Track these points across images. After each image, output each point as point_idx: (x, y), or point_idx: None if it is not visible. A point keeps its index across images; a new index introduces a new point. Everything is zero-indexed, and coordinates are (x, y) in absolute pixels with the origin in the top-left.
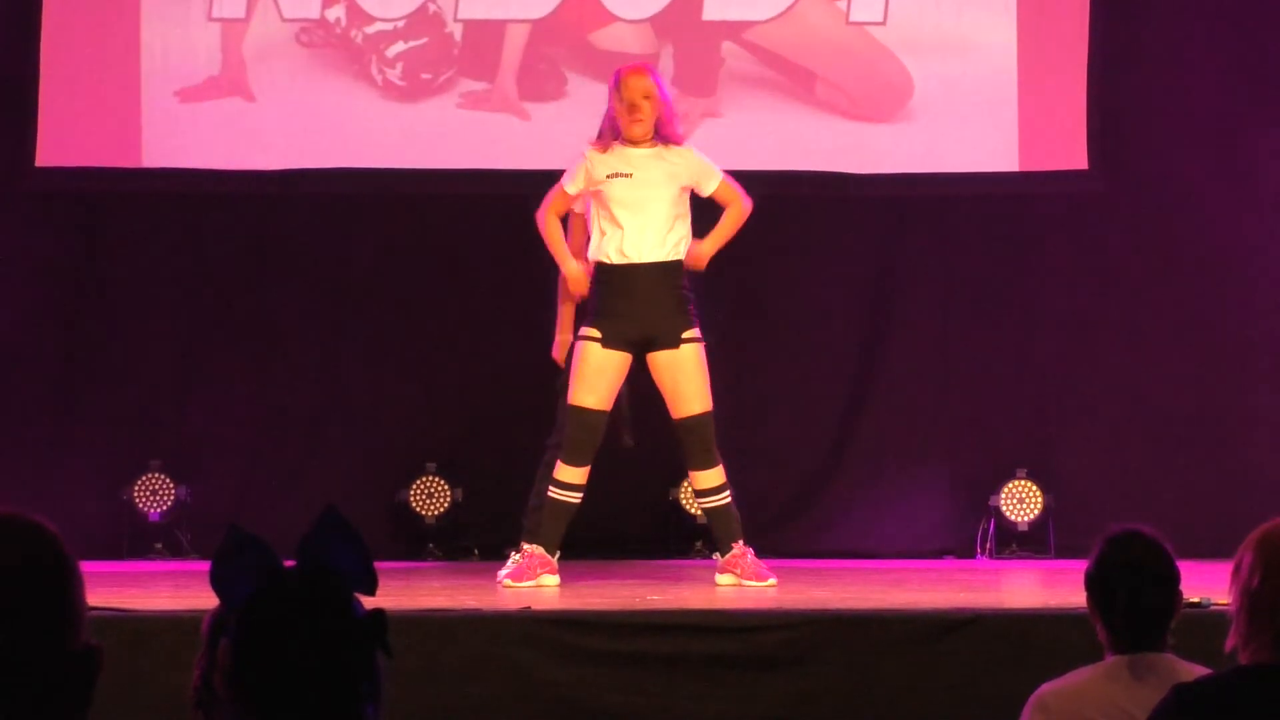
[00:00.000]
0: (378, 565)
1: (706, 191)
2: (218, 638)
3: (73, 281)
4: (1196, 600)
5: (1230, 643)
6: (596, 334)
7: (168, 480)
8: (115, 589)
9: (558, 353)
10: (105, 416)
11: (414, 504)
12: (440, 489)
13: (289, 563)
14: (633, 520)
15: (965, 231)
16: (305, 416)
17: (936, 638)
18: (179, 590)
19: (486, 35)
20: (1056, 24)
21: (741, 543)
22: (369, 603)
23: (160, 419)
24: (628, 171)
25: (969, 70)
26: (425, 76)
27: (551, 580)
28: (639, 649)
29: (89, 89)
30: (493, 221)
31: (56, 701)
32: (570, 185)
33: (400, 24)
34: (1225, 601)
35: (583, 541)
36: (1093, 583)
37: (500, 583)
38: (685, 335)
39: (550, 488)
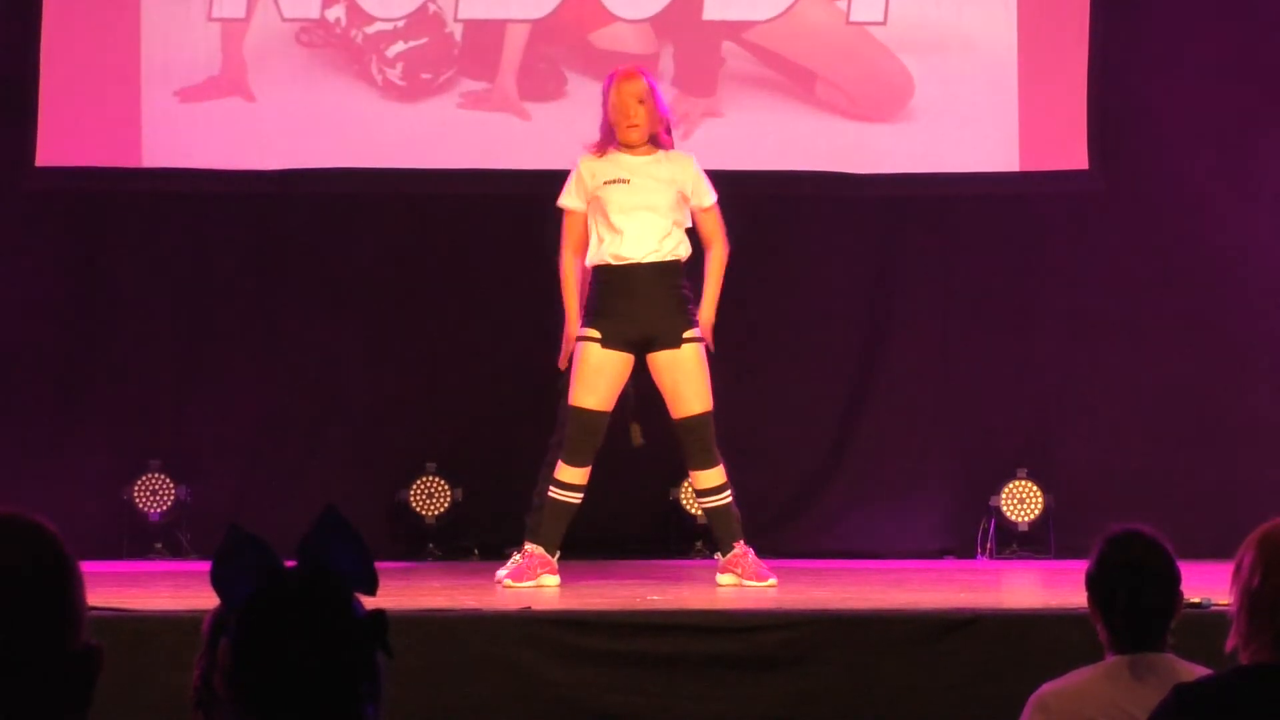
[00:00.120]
0: (378, 565)
1: (693, 205)
2: (218, 638)
3: (73, 281)
4: (1197, 600)
5: (1231, 643)
6: (596, 334)
7: (168, 480)
8: (115, 589)
9: (564, 362)
10: (105, 416)
11: (414, 504)
12: (440, 489)
13: (289, 563)
14: (633, 520)
15: (965, 231)
16: (305, 416)
17: (937, 638)
18: (179, 590)
19: (487, 35)
20: (1057, 23)
21: (742, 543)
22: (370, 603)
23: (160, 419)
24: (625, 177)
25: (969, 70)
26: (425, 76)
27: (552, 580)
28: (639, 649)
29: (89, 89)
30: (493, 221)
31: (57, 701)
32: (569, 201)
33: (400, 24)
34: (1226, 601)
35: (583, 541)
36: (1093, 583)
37: (500, 583)
38: (686, 335)
39: (551, 488)
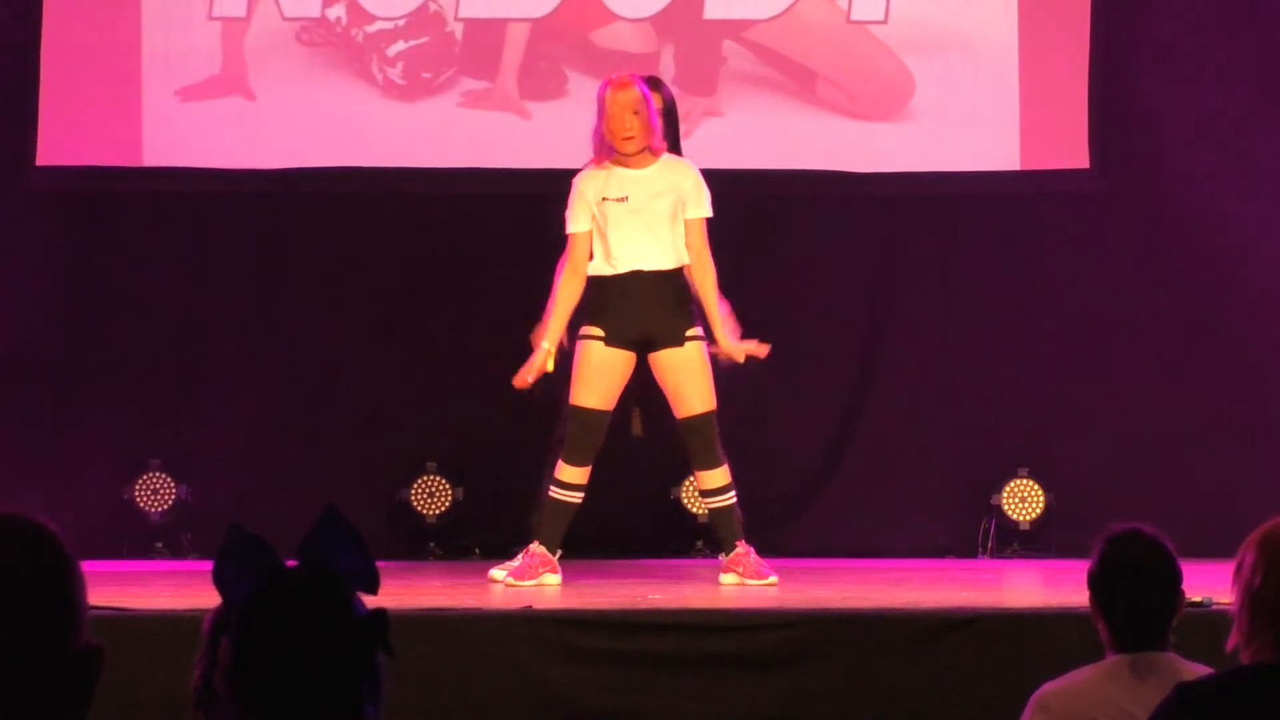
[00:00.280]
0: (378, 564)
1: (686, 215)
2: (219, 637)
3: (73, 280)
4: (1198, 600)
5: (1232, 642)
6: (599, 332)
7: (168, 479)
8: (116, 588)
9: (523, 379)
10: (106, 416)
11: (415, 503)
12: (441, 488)
13: (290, 562)
14: (634, 519)
15: (966, 230)
16: (306, 415)
17: (938, 637)
18: (179, 590)
19: (487, 34)
20: (1058, 22)
21: (744, 542)
22: (371, 602)
23: (161, 418)
24: (623, 195)
25: (970, 69)
26: (426, 75)
27: (553, 579)
28: (640, 648)
29: (90, 88)
30: (494, 220)
31: (57, 701)
32: (576, 226)
33: (401, 23)
34: (1227, 601)
35: (584, 541)
36: (1094, 582)
37: (503, 582)
38: (688, 334)
39: (551, 487)
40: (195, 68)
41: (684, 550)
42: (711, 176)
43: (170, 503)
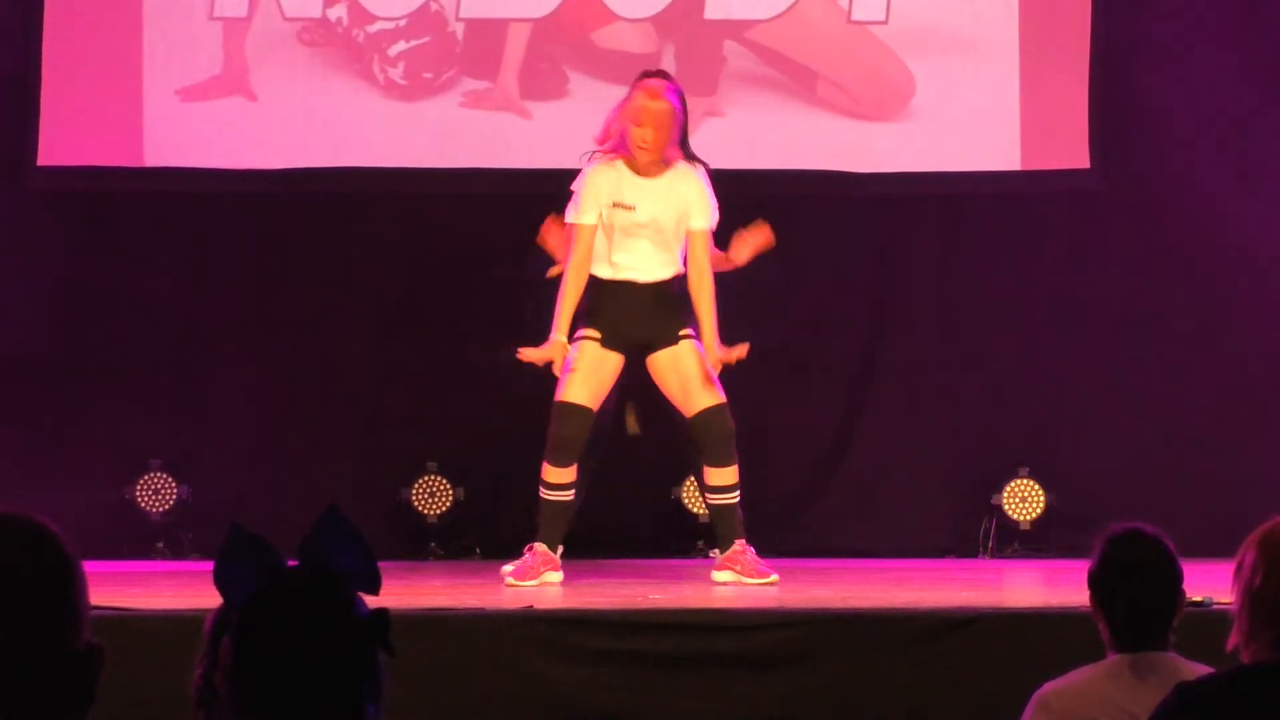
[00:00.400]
0: (379, 564)
1: (690, 225)
2: (220, 637)
3: (74, 280)
4: (1199, 599)
5: (1232, 642)
6: (596, 334)
7: (169, 479)
8: (117, 588)
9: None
10: (106, 415)
11: (416, 503)
12: (442, 488)
13: (291, 562)
14: (634, 519)
15: (967, 230)
16: (307, 415)
17: (938, 637)
18: (180, 590)
19: (488, 34)
20: (1059, 22)
21: (743, 541)
22: (372, 602)
23: (162, 418)
24: (631, 204)
25: (971, 69)
26: (427, 75)
27: (554, 577)
28: (640, 648)
29: (91, 88)
30: (495, 220)
31: (58, 700)
32: (584, 217)
33: (402, 23)
34: (1227, 600)
35: (584, 540)
36: (1095, 582)
37: (504, 580)
38: (682, 332)
39: (541, 489)
40: (196, 68)
41: (684, 550)
42: (712, 176)
43: (171, 503)
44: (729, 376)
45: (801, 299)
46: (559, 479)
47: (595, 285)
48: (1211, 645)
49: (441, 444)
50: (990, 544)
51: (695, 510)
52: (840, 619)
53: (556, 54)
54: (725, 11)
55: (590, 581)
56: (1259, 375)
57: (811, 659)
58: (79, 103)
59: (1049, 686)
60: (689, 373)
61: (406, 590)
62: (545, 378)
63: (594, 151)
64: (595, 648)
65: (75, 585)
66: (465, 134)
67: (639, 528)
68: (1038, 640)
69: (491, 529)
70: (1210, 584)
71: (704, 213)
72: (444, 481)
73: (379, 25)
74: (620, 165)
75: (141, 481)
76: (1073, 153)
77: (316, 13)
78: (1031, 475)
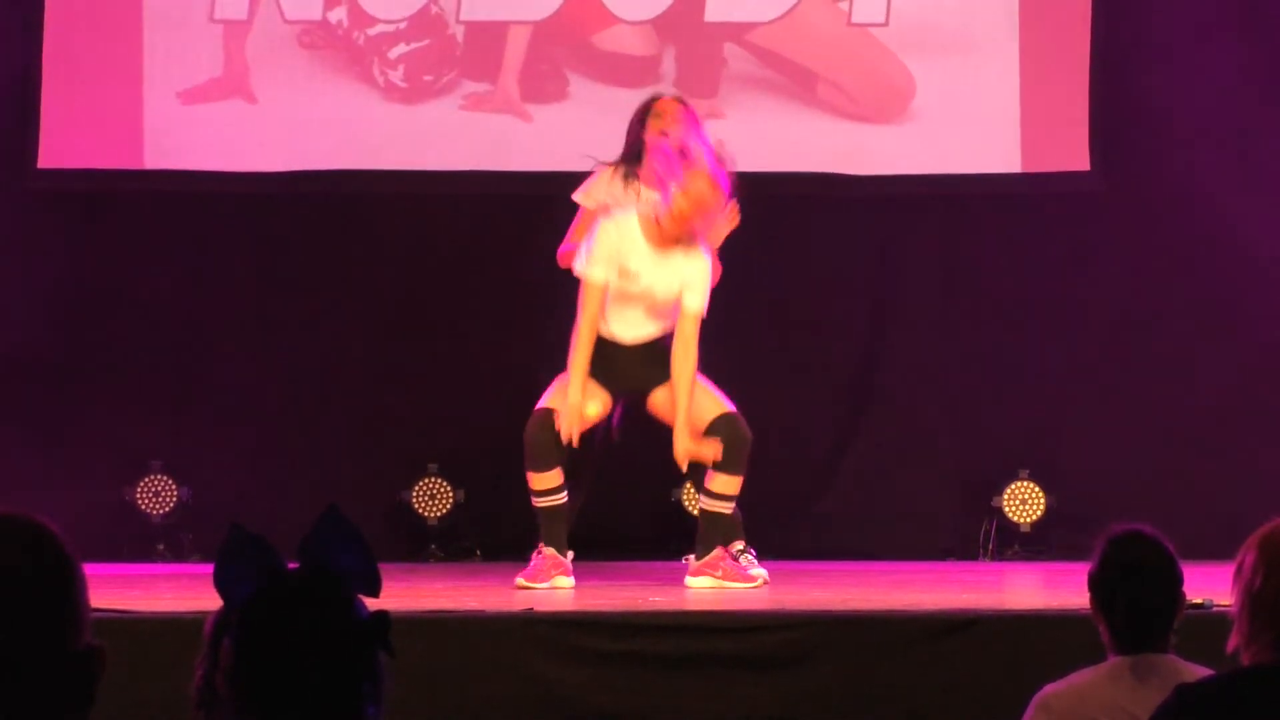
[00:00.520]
0: (379, 566)
1: (684, 302)
2: (220, 638)
3: (74, 282)
4: (1199, 601)
5: (1232, 644)
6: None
7: (169, 481)
8: (117, 590)
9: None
10: (107, 417)
11: (416, 505)
12: (442, 490)
13: (291, 564)
14: (634, 520)
15: (967, 232)
16: (307, 417)
17: (938, 639)
18: (181, 591)
19: (488, 37)
20: (1059, 24)
21: (725, 550)
22: (371, 603)
23: (162, 419)
24: (635, 271)
25: (971, 71)
26: (427, 78)
27: (566, 582)
28: (641, 650)
29: (91, 90)
30: (495, 223)
31: (58, 702)
32: (595, 272)
33: (402, 25)
34: (1228, 602)
35: (584, 542)
36: (1095, 583)
37: (516, 583)
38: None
39: (532, 498)
40: (197, 70)
41: (685, 552)
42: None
43: (171, 504)
44: (729, 376)
45: (801, 300)
46: (545, 484)
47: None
48: (1212, 647)
49: (442, 446)
50: (990, 546)
51: (695, 513)
52: (840, 621)
53: (557, 56)
54: (725, 14)
55: (591, 583)
56: (1259, 376)
57: (811, 660)
58: (79, 104)
59: (1049, 688)
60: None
61: (407, 592)
62: (545, 380)
63: (603, 164)
64: (595, 649)
65: (75, 586)
66: (465, 136)
67: (639, 529)
68: (1038, 642)
69: (492, 531)
70: (1210, 586)
71: (700, 293)
72: (444, 483)
73: (379, 28)
74: (635, 218)
75: (142, 483)
76: (1073, 154)
77: (317, 15)
78: (1032, 477)
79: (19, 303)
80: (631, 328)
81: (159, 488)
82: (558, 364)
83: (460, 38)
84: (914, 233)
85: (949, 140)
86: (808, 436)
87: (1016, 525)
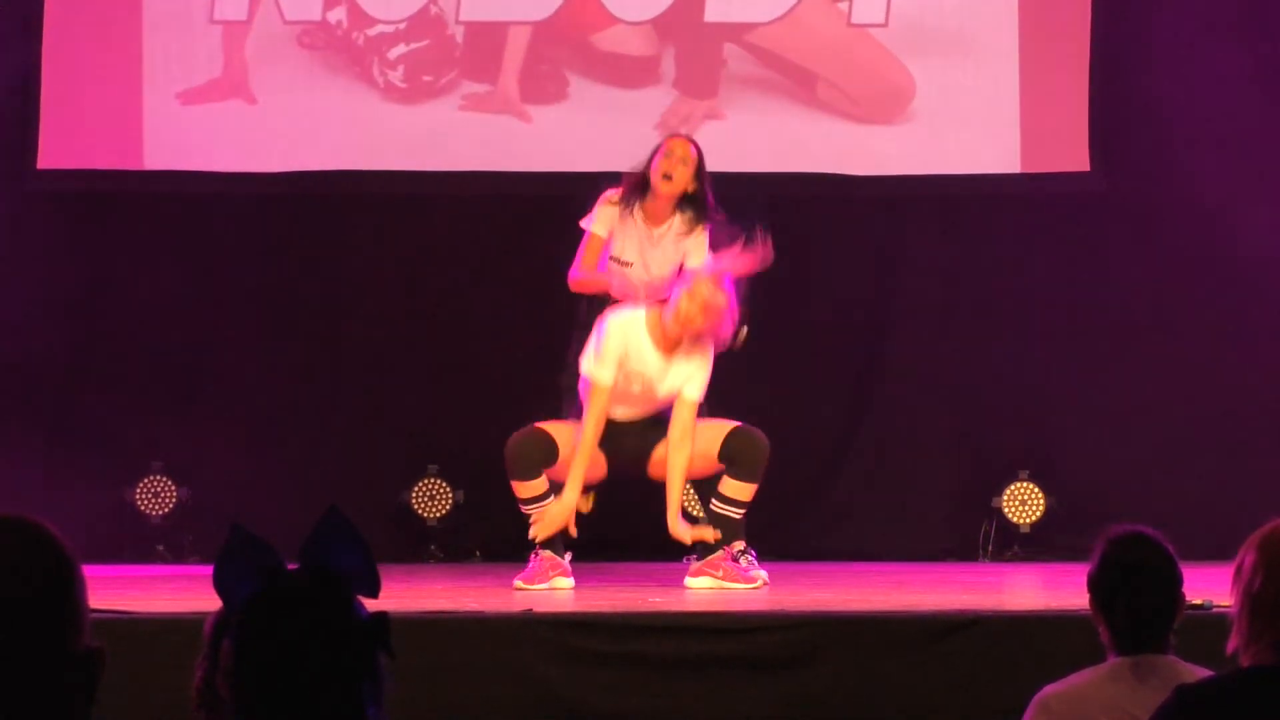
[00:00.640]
0: (379, 567)
1: (682, 392)
2: (220, 639)
3: (74, 283)
4: (1199, 602)
5: (1232, 645)
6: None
7: (169, 482)
8: (117, 591)
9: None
10: (107, 418)
11: (416, 505)
12: (442, 491)
13: (291, 565)
14: (635, 523)
15: (967, 233)
16: (307, 418)
17: (938, 639)
18: (181, 592)
19: (488, 37)
20: (1058, 25)
21: (723, 550)
22: (371, 605)
23: (162, 421)
24: (638, 371)
25: (970, 71)
26: (427, 78)
27: (565, 583)
28: (641, 651)
29: (91, 91)
30: (494, 223)
31: (59, 703)
32: (604, 377)
33: (402, 26)
34: (1227, 603)
35: (584, 543)
36: (1095, 584)
37: (514, 585)
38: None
39: (520, 506)
40: (196, 71)
41: (685, 553)
42: (712, 179)
43: (171, 505)
44: (729, 378)
45: (801, 301)
46: (528, 493)
47: None
48: (1212, 648)
49: (441, 447)
50: (990, 547)
51: (696, 515)
52: (841, 621)
53: (556, 57)
54: (725, 14)
55: (591, 584)
56: (1259, 377)
57: (812, 662)
58: (79, 106)
59: (1049, 689)
60: (693, 444)
61: (406, 592)
62: (546, 381)
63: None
64: (596, 650)
65: (75, 588)
66: (465, 137)
67: (640, 531)
68: (1038, 643)
69: (491, 532)
70: (1210, 587)
71: (699, 384)
72: (444, 484)
73: (379, 28)
74: (642, 323)
75: (141, 484)
76: (1073, 155)
77: (316, 16)
78: (1031, 478)
79: (18, 302)
80: (630, 412)
81: (159, 488)
82: (558, 365)
83: (460, 38)
84: (914, 233)
85: (949, 141)
86: (808, 437)
87: (1016, 526)
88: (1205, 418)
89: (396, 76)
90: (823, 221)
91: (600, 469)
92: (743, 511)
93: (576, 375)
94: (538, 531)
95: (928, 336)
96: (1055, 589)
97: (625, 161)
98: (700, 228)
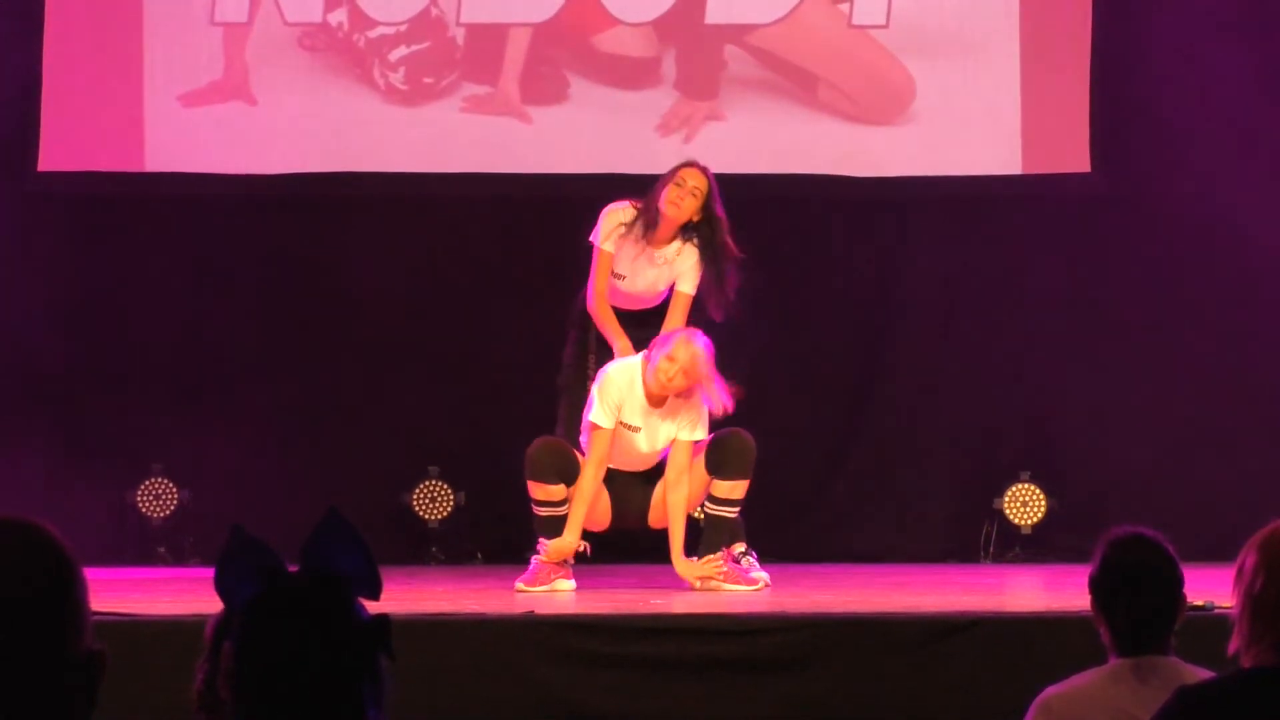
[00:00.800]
0: (380, 569)
1: (678, 436)
2: (221, 641)
3: (75, 285)
4: (1200, 604)
5: (1233, 646)
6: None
7: (170, 484)
8: (118, 593)
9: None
10: (108, 420)
11: (417, 507)
12: (443, 493)
13: (292, 567)
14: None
15: (967, 234)
16: (308, 420)
17: (939, 641)
18: (182, 594)
19: (489, 39)
20: (1059, 26)
21: (724, 552)
22: (372, 607)
23: (163, 423)
24: (637, 426)
25: (971, 73)
26: (427, 80)
27: (566, 585)
28: (641, 652)
29: (92, 93)
30: (495, 225)
31: (60, 705)
32: (604, 421)
33: (403, 28)
34: (1229, 605)
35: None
36: (1096, 586)
37: (516, 587)
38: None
39: (532, 506)
40: (197, 73)
41: (687, 554)
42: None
43: (172, 508)
44: (730, 378)
45: (801, 302)
46: (545, 495)
47: None
48: (1213, 649)
49: (442, 448)
50: (991, 548)
51: (696, 516)
52: (841, 623)
53: (557, 58)
54: (726, 16)
55: (592, 586)
56: (1259, 378)
57: (813, 663)
58: (80, 108)
59: (1051, 690)
60: (690, 473)
61: (407, 594)
62: (546, 384)
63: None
64: (597, 652)
65: (76, 590)
66: (466, 138)
67: (640, 533)
68: (1039, 644)
69: (492, 534)
70: (1211, 588)
71: (693, 429)
72: (445, 486)
73: (379, 30)
74: (636, 382)
75: (143, 486)
76: (1073, 156)
77: (317, 18)
78: (1032, 480)
79: (19, 305)
80: (630, 464)
81: (160, 491)
82: (558, 366)
83: (460, 40)
84: (914, 235)
85: (949, 142)
86: (809, 439)
87: (1017, 527)
88: (1206, 419)
89: (397, 78)
90: (823, 223)
91: (604, 518)
92: (737, 509)
93: (572, 375)
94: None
95: (928, 338)
96: (1056, 590)
97: (626, 163)
98: (693, 252)
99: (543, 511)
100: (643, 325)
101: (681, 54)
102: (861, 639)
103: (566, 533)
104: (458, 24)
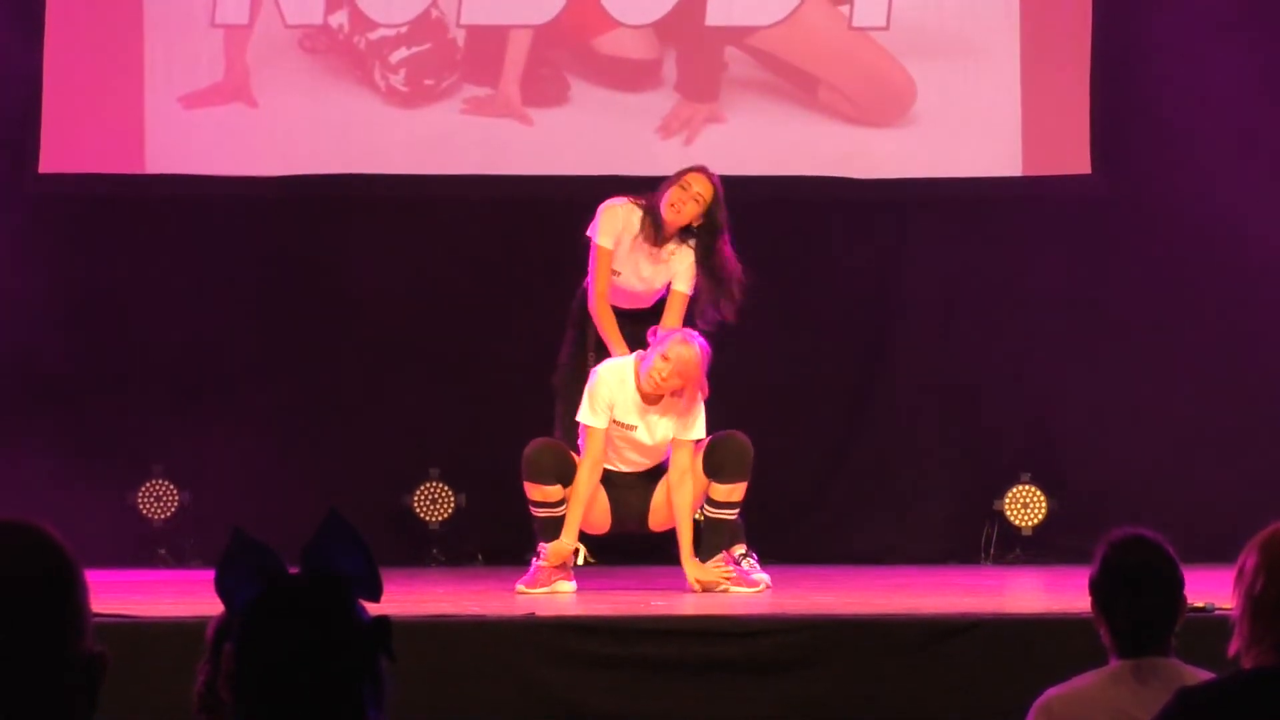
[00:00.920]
0: (380, 570)
1: (678, 435)
2: (222, 643)
3: (76, 287)
4: (1201, 605)
5: (1234, 647)
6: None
7: (171, 486)
8: (119, 595)
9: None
10: (108, 422)
11: (417, 509)
12: (443, 494)
13: (293, 569)
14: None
15: (968, 236)
16: (308, 421)
17: (939, 643)
18: (182, 596)
19: (489, 40)
20: (1059, 27)
21: (728, 554)
22: (373, 608)
23: (164, 424)
24: (630, 424)
25: (971, 74)
26: (428, 82)
27: (567, 586)
28: (642, 654)
29: (92, 95)
30: (496, 227)
31: (61, 707)
32: (597, 422)
33: (403, 29)
34: (1229, 606)
35: (585, 546)
36: (1096, 587)
37: (516, 589)
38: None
39: (530, 508)
40: (198, 74)
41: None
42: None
43: (173, 509)
44: (731, 381)
45: (802, 303)
46: (542, 496)
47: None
48: (1213, 650)
49: (443, 450)
50: (992, 550)
51: (696, 517)
52: (842, 624)
53: (558, 60)
54: (726, 18)
55: (593, 588)
56: (1260, 379)
57: (813, 664)
58: (81, 110)
59: (1051, 692)
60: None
61: (408, 596)
62: (547, 385)
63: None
64: (598, 654)
65: (77, 592)
66: (466, 140)
67: (640, 536)
68: (1039, 646)
69: (493, 535)
70: (1212, 589)
71: (692, 428)
72: (445, 488)
73: (380, 32)
74: (628, 381)
75: (143, 487)
76: (1074, 158)
77: (318, 20)
78: (1033, 481)
79: (20, 306)
80: (629, 464)
81: (160, 492)
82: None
83: (461, 42)
84: (915, 236)
85: (950, 143)
86: (809, 440)
87: (1018, 529)
88: (1207, 420)
89: (398, 80)
90: (824, 224)
91: (603, 521)
92: (736, 511)
93: (569, 375)
94: (545, 561)
95: (929, 339)
96: (1057, 592)
97: (626, 165)
98: (689, 253)
99: (541, 513)
100: (639, 323)
101: (682, 56)
102: (862, 640)
103: (563, 534)
104: (458, 26)
